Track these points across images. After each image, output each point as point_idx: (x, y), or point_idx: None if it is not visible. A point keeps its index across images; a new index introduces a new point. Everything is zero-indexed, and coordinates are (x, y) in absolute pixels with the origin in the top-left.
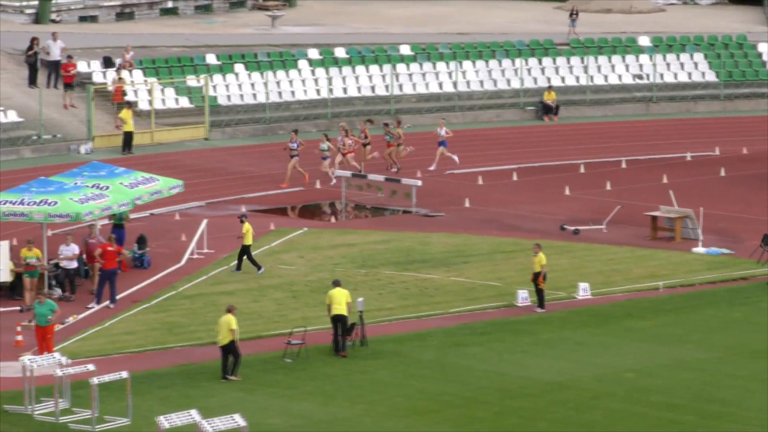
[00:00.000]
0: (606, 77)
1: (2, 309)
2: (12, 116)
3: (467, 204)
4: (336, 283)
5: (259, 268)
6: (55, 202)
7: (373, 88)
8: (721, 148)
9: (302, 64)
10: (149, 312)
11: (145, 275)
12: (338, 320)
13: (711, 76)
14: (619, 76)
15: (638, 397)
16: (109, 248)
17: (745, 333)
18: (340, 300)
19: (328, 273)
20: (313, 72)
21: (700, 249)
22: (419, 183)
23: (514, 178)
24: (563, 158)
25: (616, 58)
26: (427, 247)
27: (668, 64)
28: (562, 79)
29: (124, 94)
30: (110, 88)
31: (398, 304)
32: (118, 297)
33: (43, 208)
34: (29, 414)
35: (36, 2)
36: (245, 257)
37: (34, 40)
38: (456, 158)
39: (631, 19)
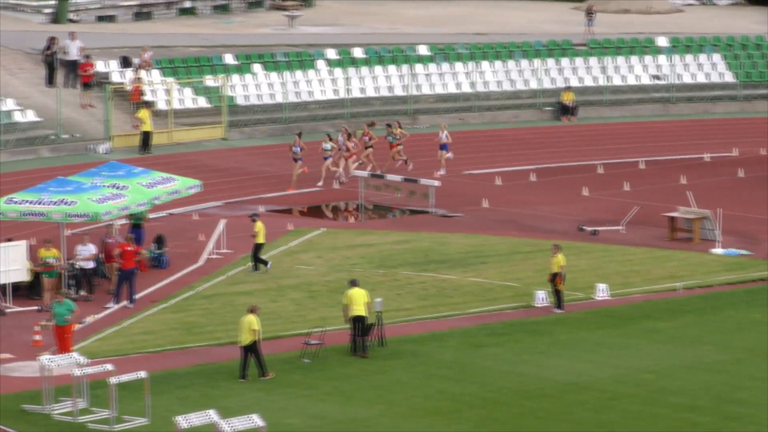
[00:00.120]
0: (624, 78)
1: (21, 309)
2: (30, 116)
3: (485, 204)
4: (353, 283)
5: (266, 264)
6: (74, 202)
7: (391, 89)
8: (739, 148)
9: (320, 64)
10: (167, 312)
11: (164, 275)
12: (357, 321)
13: (729, 77)
14: (638, 77)
15: (657, 398)
16: (128, 248)
17: (764, 334)
18: (359, 300)
19: (346, 273)
20: (331, 72)
21: (718, 250)
22: (437, 183)
23: (532, 178)
24: (581, 159)
25: (634, 59)
26: (445, 247)
27: (686, 65)
28: (580, 79)
29: (142, 94)
30: (128, 87)
31: (416, 304)
32: (136, 297)
33: (62, 208)
34: (48, 413)
35: (54, 2)
36: (254, 255)
37: (52, 40)
38: (450, 155)
39: (649, 20)
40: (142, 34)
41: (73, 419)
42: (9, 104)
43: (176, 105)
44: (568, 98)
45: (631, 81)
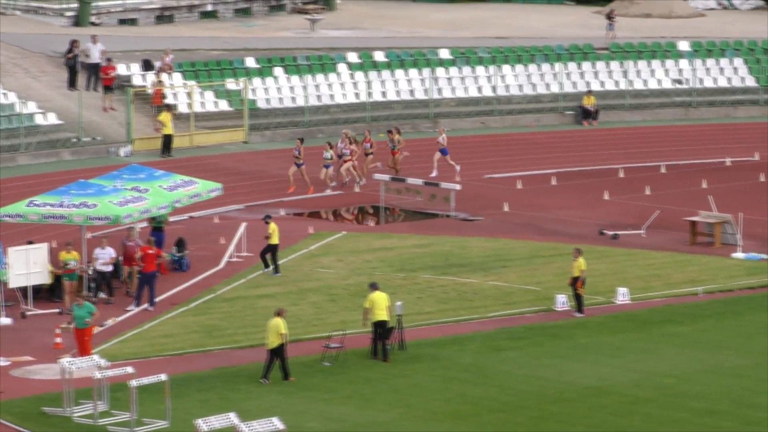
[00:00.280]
0: (645, 82)
1: (42, 311)
2: (52, 119)
3: (506, 208)
4: (374, 286)
5: (267, 266)
6: (95, 205)
7: (412, 92)
8: (760, 153)
9: (341, 67)
10: (188, 315)
11: (184, 278)
12: (380, 326)
13: (751, 81)
14: (659, 81)
15: (677, 403)
16: (149, 251)
17: None
18: (382, 305)
19: (366, 277)
20: (352, 76)
21: (739, 254)
22: (458, 187)
23: (553, 182)
24: (602, 163)
25: (655, 63)
26: (466, 251)
27: (708, 69)
28: (602, 83)
29: (163, 97)
30: (149, 91)
31: (437, 308)
32: (157, 300)
33: (83, 211)
34: (68, 416)
35: (76, 5)
36: (261, 253)
37: (73, 43)
38: (456, 166)
39: (670, 24)
40: (163, 37)
41: (93, 422)
42: (31, 107)
43: (197, 108)
44: (589, 102)
45: (653, 85)
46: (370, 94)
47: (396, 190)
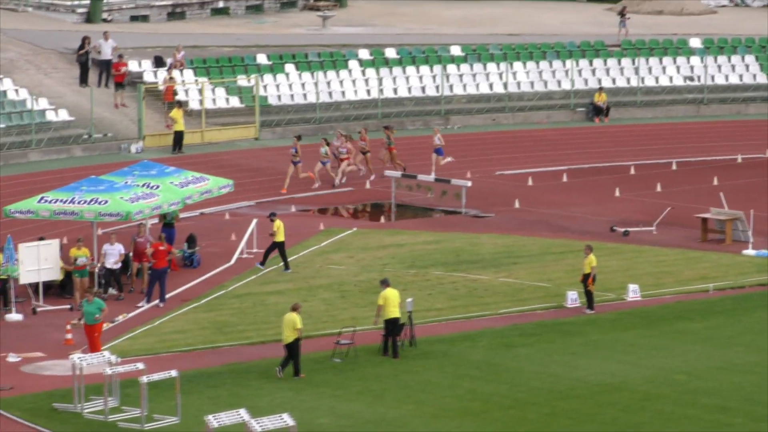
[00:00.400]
0: (657, 79)
1: (53, 307)
2: (63, 115)
3: (517, 205)
4: (385, 283)
5: (262, 264)
6: (106, 201)
7: (423, 89)
8: None
9: (353, 64)
10: (199, 311)
11: (195, 274)
12: (392, 322)
13: (762, 78)
14: (670, 78)
15: (689, 400)
16: (160, 247)
17: None
18: (395, 302)
19: (377, 273)
20: (363, 72)
21: (750, 251)
22: (469, 184)
23: (564, 179)
24: (613, 159)
25: (667, 60)
26: (477, 247)
27: (719, 66)
28: (613, 80)
29: (174, 93)
30: (161, 87)
31: (447, 304)
32: (167, 296)
33: (94, 207)
34: (79, 412)
35: (87, 2)
36: (266, 250)
37: (85, 39)
38: (450, 159)
39: (682, 21)
40: (175, 33)
41: (104, 418)
42: (42, 103)
43: (209, 105)
44: (600, 99)
45: (664, 82)
46: (381, 91)
47: (407, 186)
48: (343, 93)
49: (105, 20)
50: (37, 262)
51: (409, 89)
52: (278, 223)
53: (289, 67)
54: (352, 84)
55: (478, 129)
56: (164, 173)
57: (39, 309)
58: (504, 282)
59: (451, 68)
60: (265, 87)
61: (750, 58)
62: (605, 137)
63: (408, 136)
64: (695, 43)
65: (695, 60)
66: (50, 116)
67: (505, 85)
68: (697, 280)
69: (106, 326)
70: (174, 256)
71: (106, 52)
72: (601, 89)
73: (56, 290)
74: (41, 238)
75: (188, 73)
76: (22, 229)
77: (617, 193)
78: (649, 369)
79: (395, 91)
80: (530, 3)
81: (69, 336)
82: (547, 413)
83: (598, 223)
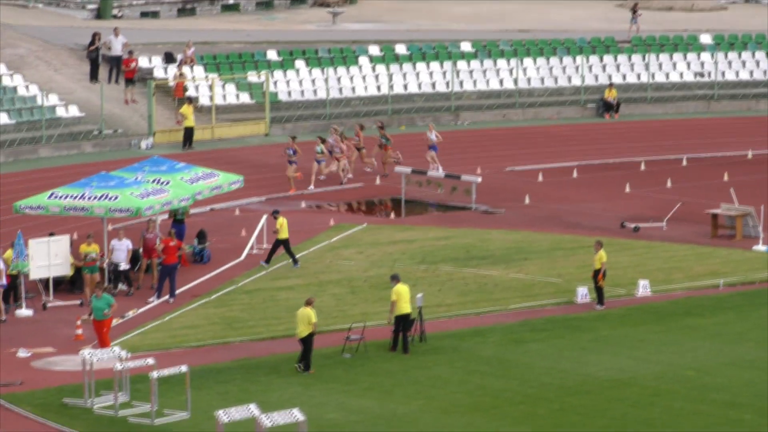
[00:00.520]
0: (667, 75)
1: (63, 303)
2: (73, 111)
3: (527, 201)
4: (396, 279)
5: (267, 262)
6: (116, 197)
7: (433, 85)
8: None
9: (363, 60)
10: (209, 307)
11: (205, 270)
12: (404, 318)
13: None
14: (681, 74)
15: (698, 395)
16: (170, 243)
17: None
18: (407, 297)
19: (387, 269)
20: (373, 68)
21: (760, 247)
22: (479, 180)
23: (575, 175)
24: (624, 155)
25: (677, 56)
26: (487, 243)
27: (729, 62)
28: (623, 76)
29: (185, 89)
30: (171, 83)
31: (457, 300)
32: (178, 291)
33: (104, 203)
34: (89, 407)
35: None
36: (272, 248)
37: (95, 36)
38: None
39: (692, 17)
40: (185, 30)
41: (114, 413)
42: (52, 99)
43: (219, 101)
44: (611, 95)
45: (675, 78)
46: (391, 87)
47: (417, 182)
48: (353, 89)
49: (115, 16)
50: (48, 257)
51: (420, 85)
52: (281, 221)
53: (300, 64)
54: (363, 80)
55: (488, 125)
56: (174, 169)
57: (49, 304)
58: (514, 278)
59: (462, 64)
60: (275, 83)
61: (760, 54)
62: (615, 133)
63: (418, 132)
64: (705, 39)
65: (705, 56)
66: (60, 112)
67: (516, 81)
68: (707, 275)
69: (116, 321)
70: (184, 251)
71: (117, 48)
72: (611, 85)
73: (66, 286)
74: (52, 234)
75: (198, 69)
76: (31, 224)
77: (627, 189)
78: (659, 365)
79: (405, 87)
80: None
81: (79, 331)
82: (557, 409)
83: (609, 218)
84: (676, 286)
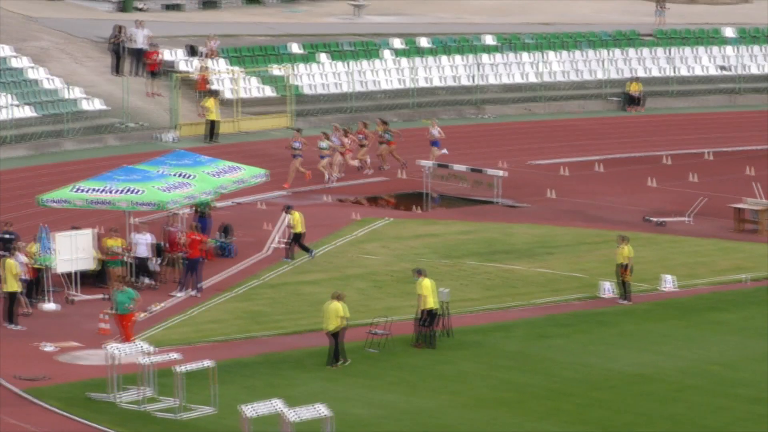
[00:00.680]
0: (691, 68)
1: (88, 297)
2: (97, 104)
3: (551, 195)
4: (421, 273)
5: (288, 257)
6: (140, 191)
7: (456, 78)
8: None
9: (386, 53)
10: (234, 301)
11: (230, 264)
12: (430, 313)
13: None
14: (704, 68)
15: (723, 390)
16: (194, 237)
17: None
18: (434, 291)
19: (411, 263)
20: (396, 62)
21: None
22: (503, 174)
23: (598, 169)
24: (648, 149)
25: (701, 50)
26: (511, 237)
27: (753, 56)
28: (647, 70)
29: (208, 82)
30: (194, 76)
31: (482, 294)
32: (202, 285)
33: (128, 197)
34: (114, 402)
35: None
36: (293, 242)
37: (119, 28)
38: (445, 151)
39: (716, 10)
40: (208, 23)
41: (139, 407)
42: (76, 92)
43: (242, 94)
44: (634, 89)
45: (698, 72)
46: (414, 81)
47: (440, 176)
48: (376, 82)
49: (138, 9)
50: (73, 251)
51: (443, 79)
52: (296, 216)
53: (323, 57)
54: (386, 73)
55: (511, 118)
56: (198, 162)
57: (74, 299)
58: (538, 272)
59: (485, 57)
60: (298, 76)
61: None
62: (639, 127)
63: (441, 126)
64: (729, 32)
65: (729, 50)
66: (84, 105)
67: (539, 75)
68: (731, 270)
69: (142, 315)
70: (208, 245)
71: (140, 41)
72: (636, 79)
73: (91, 280)
74: (76, 227)
75: (222, 62)
76: (56, 218)
77: (651, 183)
78: (683, 360)
79: (429, 80)
80: None
81: (104, 325)
82: (582, 403)
83: (632, 213)
84: (700, 281)
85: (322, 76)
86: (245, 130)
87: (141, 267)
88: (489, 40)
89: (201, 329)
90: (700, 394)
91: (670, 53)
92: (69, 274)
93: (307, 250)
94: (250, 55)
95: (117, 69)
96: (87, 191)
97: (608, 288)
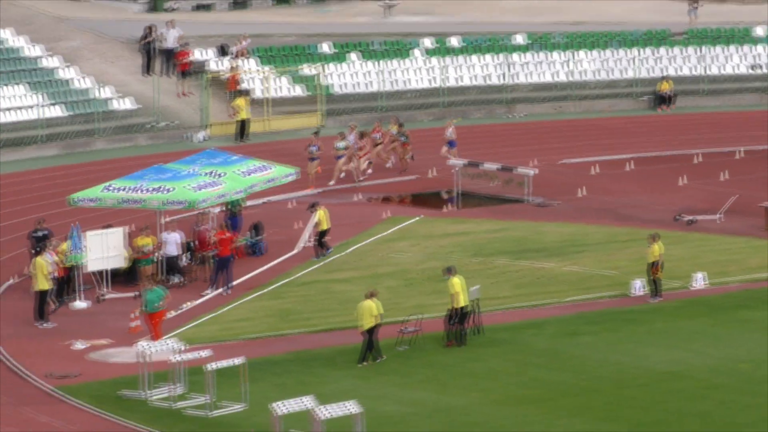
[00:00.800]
0: (722, 67)
1: (119, 295)
2: (128, 104)
3: (582, 193)
4: (451, 271)
5: (326, 250)
6: (171, 189)
7: (487, 78)
8: None
9: (416, 53)
10: (264, 299)
11: (260, 262)
12: (462, 310)
13: None
14: (735, 66)
15: (753, 389)
16: (224, 235)
17: None
18: (464, 289)
19: (442, 261)
20: (427, 61)
21: None
22: (533, 172)
23: (629, 167)
24: (678, 148)
25: (731, 48)
26: (541, 236)
27: None
28: (678, 69)
29: (238, 82)
30: (225, 76)
31: (512, 292)
32: (233, 284)
33: (159, 196)
34: (145, 399)
35: None
36: (317, 242)
37: (149, 29)
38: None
39: (746, 9)
40: (238, 23)
41: (170, 405)
42: (107, 92)
43: (273, 93)
44: (665, 88)
45: (729, 71)
46: (445, 80)
47: (471, 175)
48: (406, 82)
49: (168, 9)
50: (104, 249)
51: (473, 78)
52: (320, 213)
53: (353, 56)
54: (416, 73)
55: (542, 117)
56: (229, 161)
57: (105, 297)
58: (569, 270)
59: (515, 57)
60: (328, 76)
61: None
62: (670, 126)
63: (471, 125)
64: (760, 31)
65: (760, 48)
66: (115, 105)
67: (569, 74)
68: (762, 268)
69: (173, 313)
70: (238, 244)
71: (170, 41)
72: (666, 78)
73: (122, 278)
74: (108, 226)
75: (252, 62)
76: (87, 217)
77: (682, 182)
78: (713, 358)
79: (459, 79)
80: None
81: (135, 323)
82: (612, 401)
83: (663, 211)
84: (731, 279)
85: (352, 76)
86: (275, 130)
87: (170, 265)
88: (519, 39)
89: (231, 327)
90: (730, 392)
91: (700, 52)
92: (100, 273)
93: (325, 247)
94: (281, 55)
95: (148, 69)
96: (118, 190)
97: (639, 286)
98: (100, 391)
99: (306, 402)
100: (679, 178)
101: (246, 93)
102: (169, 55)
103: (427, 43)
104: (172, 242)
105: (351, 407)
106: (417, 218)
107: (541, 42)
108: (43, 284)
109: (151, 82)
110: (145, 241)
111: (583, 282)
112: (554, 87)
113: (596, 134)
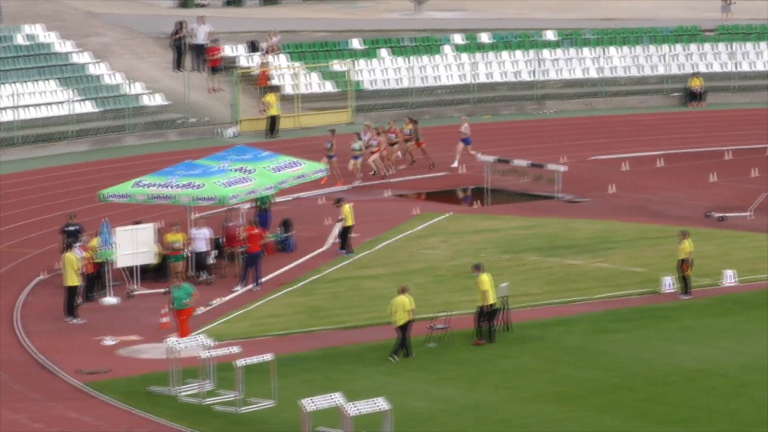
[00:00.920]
0: (753, 64)
1: (148, 291)
2: (158, 99)
3: (612, 190)
4: (480, 268)
5: (347, 249)
6: (201, 185)
7: (517, 74)
8: None
9: (447, 49)
10: (293, 295)
11: (290, 258)
12: (491, 307)
13: None
14: (766, 63)
15: None
16: (253, 232)
17: None
18: (492, 286)
19: (471, 258)
20: (457, 57)
21: None
22: (563, 168)
23: (659, 164)
24: (709, 145)
25: (763, 45)
26: (572, 232)
27: None
28: (708, 65)
29: (269, 78)
30: (255, 72)
31: (542, 289)
32: (263, 280)
33: (189, 192)
34: (174, 395)
35: None
36: (341, 238)
37: (180, 24)
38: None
39: None
40: (269, 18)
41: (199, 401)
42: (137, 88)
43: (303, 89)
44: (695, 84)
45: (760, 67)
46: (475, 76)
47: (500, 171)
48: (437, 78)
49: (199, 5)
50: (133, 245)
51: (503, 74)
52: (346, 209)
53: (383, 52)
54: (446, 69)
55: (572, 114)
56: (259, 158)
57: (135, 293)
58: (599, 267)
59: (546, 53)
60: (359, 72)
61: None
62: (700, 122)
63: (502, 122)
64: None
65: None
66: (145, 101)
67: (600, 70)
68: None
69: (203, 309)
70: (268, 240)
71: (201, 37)
72: (696, 74)
73: (152, 274)
74: (138, 222)
75: (282, 58)
76: (117, 212)
77: (713, 179)
78: (743, 355)
79: (489, 76)
80: None
81: (164, 320)
82: (642, 398)
83: (693, 208)
84: (761, 276)
85: (382, 72)
86: (305, 126)
87: (199, 262)
88: (550, 35)
89: (260, 323)
90: (761, 390)
91: (731, 48)
92: (129, 269)
93: (348, 247)
94: (311, 51)
95: (178, 65)
96: (148, 186)
97: (669, 283)
98: (129, 387)
99: (335, 398)
100: (710, 174)
101: (276, 89)
102: (200, 50)
103: (458, 39)
104: (201, 238)
105: (380, 404)
106: (447, 215)
107: (571, 38)
108: (73, 280)
109: (182, 78)
110: (176, 237)
111: (613, 279)
112: (584, 83)
113: (626, 131)
